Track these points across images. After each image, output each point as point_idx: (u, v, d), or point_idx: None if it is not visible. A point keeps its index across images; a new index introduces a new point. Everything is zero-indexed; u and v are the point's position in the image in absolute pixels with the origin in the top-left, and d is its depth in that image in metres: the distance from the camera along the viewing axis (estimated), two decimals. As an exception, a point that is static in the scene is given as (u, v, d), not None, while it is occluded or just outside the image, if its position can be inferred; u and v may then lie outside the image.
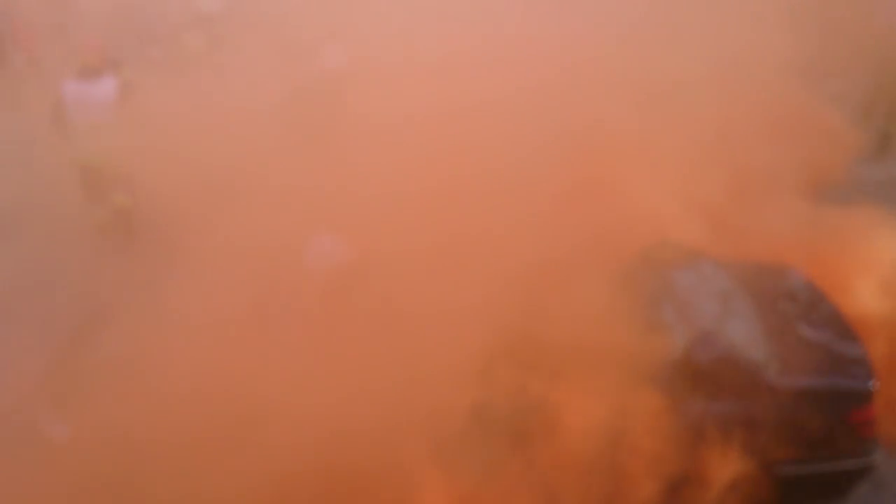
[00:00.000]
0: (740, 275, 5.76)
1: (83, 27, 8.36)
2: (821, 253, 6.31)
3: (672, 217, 5.86)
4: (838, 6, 6.86)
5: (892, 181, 6.96)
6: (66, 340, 5.28)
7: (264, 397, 4.61)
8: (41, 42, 10.16)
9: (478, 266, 5.02)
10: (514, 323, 5.04)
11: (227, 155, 5.56)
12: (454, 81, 5.74)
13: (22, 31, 10.58)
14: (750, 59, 6.62)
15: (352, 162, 5.48)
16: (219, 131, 5.60)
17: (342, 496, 4.58)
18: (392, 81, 5.83)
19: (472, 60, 5.92)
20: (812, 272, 6.03)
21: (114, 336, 5.01)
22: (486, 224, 5.24)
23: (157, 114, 5.92)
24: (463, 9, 6.60)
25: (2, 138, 8.07)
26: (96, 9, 10.76)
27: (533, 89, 5.84)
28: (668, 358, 5.04)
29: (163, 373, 4.73)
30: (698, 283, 5.63)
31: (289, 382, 4.63)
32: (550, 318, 5.06)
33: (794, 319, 5.49)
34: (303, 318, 4.90)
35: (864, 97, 7.49)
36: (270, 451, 4.49)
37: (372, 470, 4.65)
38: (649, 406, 4.97)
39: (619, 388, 5.00)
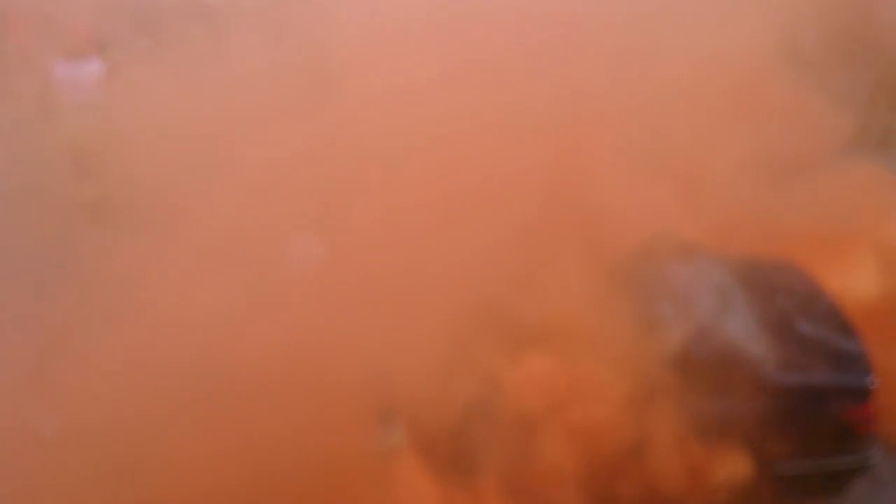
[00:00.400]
0: (738, 269, 5.72)
1: (74, 15, 8.31)
2: (818, 240, 6.29)
3: (665, 205, 5.82)
4: (841, -2, 6.86)
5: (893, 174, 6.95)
6: (52, 331, 5.23)
7: (247, 381, 4.61)
8: (32, 31, 10.09)
9: (458, 250, 5.01)
10: (497, 304, 5.04)
11: (214, 139, 5.52)
12: (449, 53, 5.71)
13: (12, 20, 10.50)
14: (747, 49, 6.59)
15: (341, 146, 5.45)
16: (208, 116, 5.56)
17: (321, 482, 4.61)
18: (385, 66, 5.78)
19: (463, 30, 5.88)
20: (810, 260, 6.02)
21: (99, 323, 4.96)
22: (470, 203, 5.21)
23: (144, 96, 5.89)
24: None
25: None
26: (89, -1, 10.71)
27: (522, 68, 5.81)
28: (664, 353, 5.01)
29: (149, 360, 4.71)
30: (696, 278, 5.60)
31: (273, 365, 4.63)
32: (536, 304, 5.07)
33: (792, 315, 5.45)
34: (291, 299, 4.88)
35: (867, 90, 7.49)
36: (251, 438, 4.50)
37: (349, 455, 4.69)
38: (642, 401, 4.94)
39: (609, 383, 4.98)
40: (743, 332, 5.25)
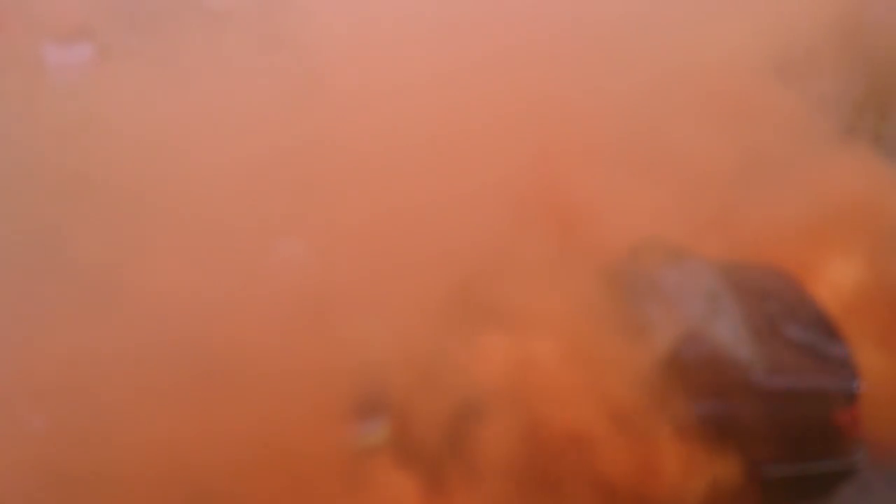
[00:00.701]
0: (727, 273, 5.73)
1: (64, 6, 8.31)
2: (804, 236, 6.36)
3: (652, 202, 5.84)
4: (828, 3, 6.87)
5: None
6: (38, 320, 5.20)
7: (228, 369, 4.64)
8: (22, 20, 10.05)
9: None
10: (480, 299, 5.06)
11: (201, 130, 5.50)
12: (437, 53, 5.73)
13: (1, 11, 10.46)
14: (737, 53, 6.62)
15: (327, 143, 5.47)
16: (195, 109, 5.54)
17: (294, 474, 4.63)
18: (373, 67, 5.80)
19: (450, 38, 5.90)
20: (797, 254, 6.08)
21: (83, 311, 4.94)
22: (456, 199, 5.21)
23: (133, 84, 5.87)
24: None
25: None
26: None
27: (510, 68, 5.81)
28: (653, 357, 5.01)
29: (132, 347, 4.67)
30: (684, 281, 5.61)
31: (253, 355, 4.63)
32: (520, 301, 5.09)
33: (780, 319, 5.48)
34: (272, 290, 4.87)
35: (855, 98, 7.54)
36: (228, 426, 4.51)
37: (327, 450, 4.73)
38: (633, 405, 4.95)
39: (603, 382, 4.99)
40: (731, 335, 5.26)
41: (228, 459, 4.49)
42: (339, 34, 6.11)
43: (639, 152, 6.06)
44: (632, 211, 5.63)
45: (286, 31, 6.89)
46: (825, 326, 5.46)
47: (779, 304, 5.62)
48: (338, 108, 5.60)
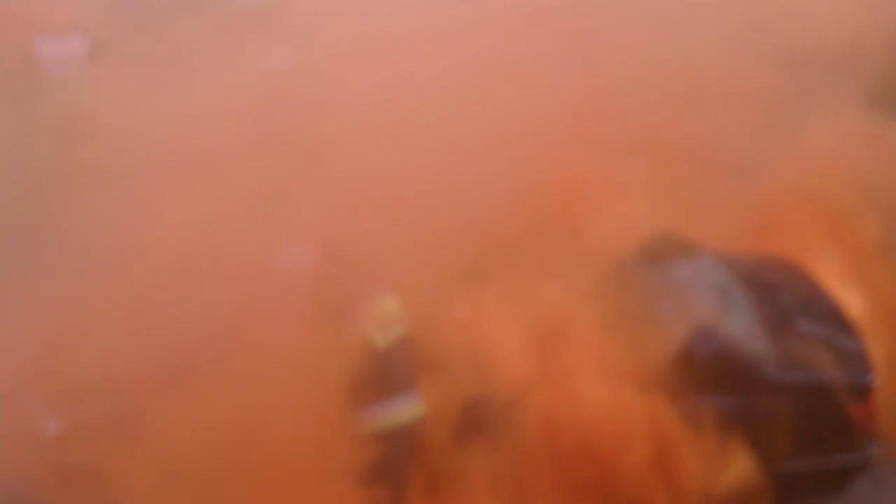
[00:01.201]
0: (738, 268, 5.71)
1: (58, 1, 8.36)
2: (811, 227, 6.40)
3: (658, 197, 5.84)
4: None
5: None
6: (44, 325, 5.22)
7: (238, 353, 4.60)
8: (15, 16, 10.07)
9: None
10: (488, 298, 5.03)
11: (196, 125, 5.52)
12: (439, 50, 5.73)
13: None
14: (743, 48, 6.61)
15: (327, 140, 5.49)
16: (190, 104, 5.54)
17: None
18: (378, 68, 5.81)
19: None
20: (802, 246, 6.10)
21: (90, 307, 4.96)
22: (459, 194, 5.20)
23: (129, 78, 5.89)
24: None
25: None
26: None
27: (516, 62, 5.83)
28: (665, 352, 5.00)
29: (137, 346, 4.63)
30: (696, 276, 5.59)
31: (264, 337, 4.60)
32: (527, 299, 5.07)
33: (793, 313, 5.46)
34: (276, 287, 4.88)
35: (868, 88, 7.50)
36: (240, 413, 4.45)
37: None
38: (644, 400, 4.93)
39: (611, 380, 4.97)
40: (744, 330, 5.24)
41: (232, 447, 4.44)
42: (339, 29, 6.12)
43: (641, 139, 6.06)
44: (635, 198, 5.65)
45: (286, 27, 6.91)
46: (838, 319, 5.45)
47: (791, 298, 5.61)
48: (342, 100, 5.59)
